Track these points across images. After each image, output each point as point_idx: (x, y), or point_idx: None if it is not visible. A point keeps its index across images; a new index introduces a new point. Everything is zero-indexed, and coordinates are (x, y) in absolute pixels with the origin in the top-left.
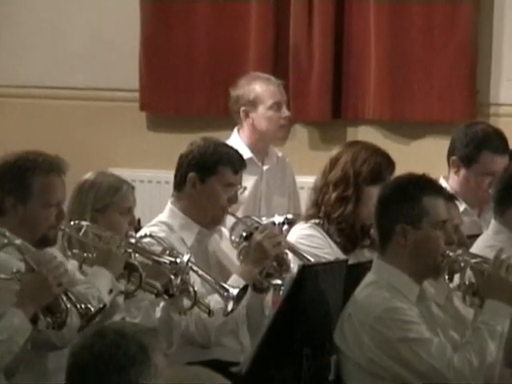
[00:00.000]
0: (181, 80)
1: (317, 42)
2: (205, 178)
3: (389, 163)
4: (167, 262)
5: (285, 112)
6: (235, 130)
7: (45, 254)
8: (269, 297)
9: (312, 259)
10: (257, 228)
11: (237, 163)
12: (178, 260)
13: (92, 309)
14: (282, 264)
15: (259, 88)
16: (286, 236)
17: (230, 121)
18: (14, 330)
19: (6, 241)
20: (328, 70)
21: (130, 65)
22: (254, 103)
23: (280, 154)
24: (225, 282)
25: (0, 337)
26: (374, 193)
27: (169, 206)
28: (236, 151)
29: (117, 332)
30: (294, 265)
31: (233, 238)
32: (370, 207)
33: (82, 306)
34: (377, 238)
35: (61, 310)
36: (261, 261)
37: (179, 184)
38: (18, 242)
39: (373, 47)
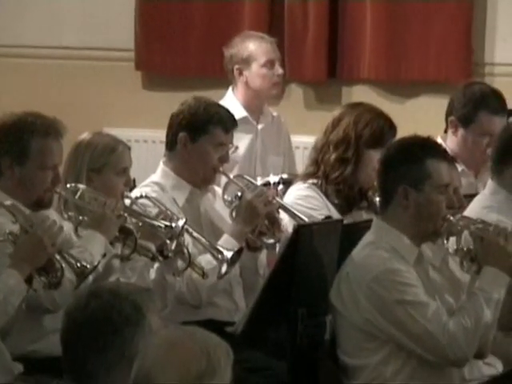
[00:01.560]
0: (176, 39)
1: (312, 1)
2: (195, 137)
3: (391, 127)
4: (162, 226)
5: (278, 70)
6: (230, 88)
7: (38, 214)
8: (263, 256)
9: (304, 217)
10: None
11: (228, 122)
12: (174, 225)
13: (88, 266)
14: (274, 222)
15: (252, 46)
16: (282, 196)
17: (225, 80)
18: (10, 291)
19: None
20: (323, 29)
21: (126, 24)
22: (247, 61)
23: (275, 114)
24: (217, 242)
25: None
26: (374, 156)
27: (161, 166)
28: (227, 110)
29: (111, 292)
30: (290, 224)
31: (225, 197)
32: (370, 170)
33: (78, 264)
34: (379, 198)
35: (56, 269)
36: (252, 220)
37: (170, 144)
38: (8, 203)
39: (368, 7)
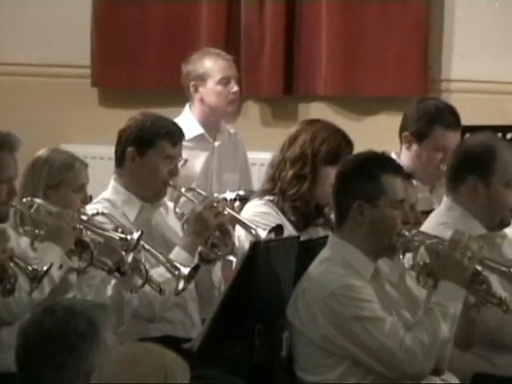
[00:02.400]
0: (133, 55)
1: (269, 17)
2: (143, 151)
3: (348, 144)
4: (117, 238)
5: (233, 87)
6: (187, 105)
7: None
8: (218, 268)
9: (255, 227)
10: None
11: (175, 135)
12: (129, 237)
13: (39, 269)
14: (226, 233)
15: (208, 63)
16: (238, 213)
17: (182, 97)
18: None
19: None
20: (279, 45)
21: (82, 41)
22: (202, 77)
23: (232, 131)
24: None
25: None
26: (330, 173)
27: (111, 182)
28: (174, 123)
29: (66, 308)
30: (246, 240)
31: (177, 210)
32: (326, 187)
33: (29, 267)
34: (334, 214)
35: (9, 275)
36: (202, 232)
37: (119, 160)
38: None
39: (324, 22)
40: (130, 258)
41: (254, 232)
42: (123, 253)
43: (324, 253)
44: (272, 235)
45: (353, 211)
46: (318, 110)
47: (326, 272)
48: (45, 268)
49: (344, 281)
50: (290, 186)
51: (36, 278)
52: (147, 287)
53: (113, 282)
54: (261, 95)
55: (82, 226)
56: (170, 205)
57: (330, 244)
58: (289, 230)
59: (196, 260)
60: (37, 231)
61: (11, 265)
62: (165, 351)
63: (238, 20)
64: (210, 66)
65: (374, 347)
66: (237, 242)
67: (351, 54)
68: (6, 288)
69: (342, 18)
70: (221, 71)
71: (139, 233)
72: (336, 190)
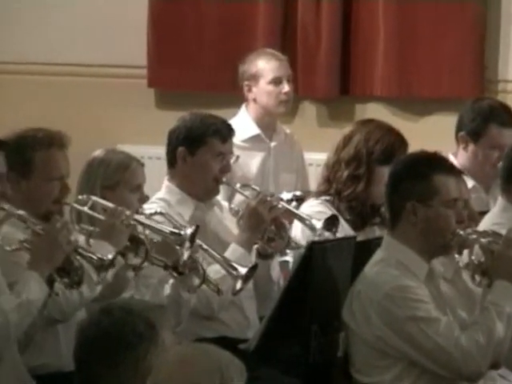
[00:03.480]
0: (189, 56)
1: (325, 17)
2: (194, 150)
3: (402, 143)
4: (170, 232)
5: (285, 87)
6: (243, 105)
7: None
8: (275, 263)
9: (310, 218)
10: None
11: (224, 132)
12: (183, 232)
13: (105, 258)
14: (281, 227)
15: (261, 63)
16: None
17: (238, 98)
18: (31, 292)
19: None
20: (336, 46)
21: (138, 41)
22: (255, 77)
23: (288, 131)
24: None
25: (18, 299)
26: (385, 172)
27: (165, 182)
28: (223, 120)
29: (124, 309)
30: (302, 238)
31: (232, 206)
32: (381, 187)
33: (95, 257)
34: (387, 215)
35: (75, 267)
36: (257, 227)
37: (171, 160)
38: (19, 212)
39: (381, 23)
40: (186, 255)
41: (308, 223)
42: (178, 247)
43: (378, 254)
44: (329, 235)
45: (406, 212)
46: (374, 111)
47: (380, 273)
48: (110, 256)
49: (398, 282)
50: (346, 186)
51: (102, 267)
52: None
53: (170, 281)
54: (317, 96)
55: (135, 223)
56: (225, 204)
57: (385, 245)
58: (345, 230)
59: (253, 256)
60: (91, 228)
61: (77, 257)
62: (221, 352)
63: (295, 20)
64: (263, 65)
65: (429, 347)
66: (293, 237)
67: (407, 55)
68: (73, 280)
69: (398, 18)
70: (273, 71)
71: (193, 227)
72: (389, 190)
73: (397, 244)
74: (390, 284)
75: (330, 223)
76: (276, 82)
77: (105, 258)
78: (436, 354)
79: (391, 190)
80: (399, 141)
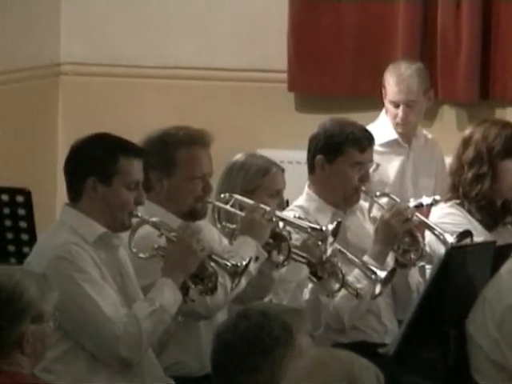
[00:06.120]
0: (329, 60)
1: (465, 22)
2: (332, 159)
3: None
4: (312, 228)
5: (399, 113)
6: (383, 110)
7: (180, 223)
8: (415, 271)
9: (444, 231)
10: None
11: (363, 141)
12: (324, 228)
13: (238, 265)
14: (414, 239)
15: (389, 79)
16: (428, 217)
17: (377, 101)
18: (165, 299)
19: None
20: (476, 49)
21: (279, 45)
22: (385, 89)
23: (430, 136)
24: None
25: (152, 307)
26: (509, 166)
27: (305, 189)
28: (363, 129)
29: (261, 313)
30: (438, 244)
31: (371, 215)
32: (508, 180)
33: (228, 264)
34: None
35: (209, 274)
36: (390, 240)
37: (310, 167)
38: (153, 219)
39: None
40: (329, 251)
41: (441, 237)
42: (319, 243)
43: (510, 263)
44: (465, 241)
45: None
46: None
47: (507, 284)
48: (244, 263)
49: None
50: (472, 187)
51: (236, 273)
52: (338, 296)
53: (309, 286)
54: (457, 100)
55: (276, 220)
56: (366, 206)
57: None
58: (478, 231)
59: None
60: (234, 226)
61: (211, 263)
62: (355, 357)
63: (435, 23)
64: (387, 83)
65: None
66: (428, 248)
67: None
68: (207, 287)
69: None
70: (391, 94)
71: (335, 223)
72: None
73: None
74: None
75: (464, 238)
76: (394, 104)
77: (239, 264)
78: None
79: None
80: None
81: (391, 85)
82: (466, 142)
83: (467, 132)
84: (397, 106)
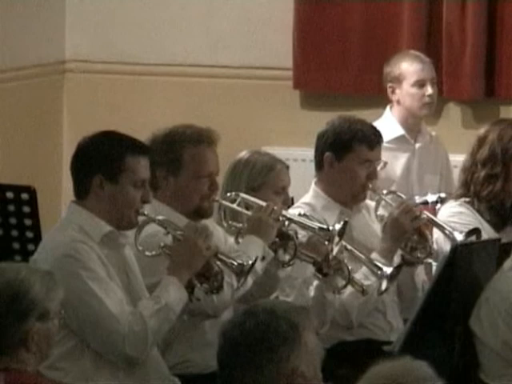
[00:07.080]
0: (334, 58)
1: (470, 19)
2: (341, 156)
3: None
4: (319, 227)
5: (428, 90)
6: (388, 107)
7: (187, 223)
8: (421, 270)
9: (453, 230)
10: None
11: (372, 139)
12: (331, 227)
13: (245, 264)
14: (423, 237)
15: (405, 65)
16: (436, 214)
17: (382, 99)
18: (171, 297)
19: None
20: (481, 47)
21: (284, 43)
22: (398, 79)
23: (434, 133)
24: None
25: (157, 305)
26: None
27: (312, 186)
28: (371, 127)
29: (267, 311)
30: (445, 241)
31: (378, 213)
32: None
33: (234, 263)
34: None
35: (215, 273)
36: (399, 237)
37: (318, 164)
38: (159, 217)
39: None
40: (336, 250)
41: (450, 235)
42: (327, 243)
43: (510, 262)
44: (472, 238)
45: None
46: None
47: (509, 281)
48: (250, 262)
49: None
50: (484, 187)
51: (242, 273)
52: (346, 293)
53: (315, 283)
54: (462, 98)
55: (283, 219)
56: (372, 204)
57: None
58: (486, 230)
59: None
60: (240, 225)
61: (217, 262)
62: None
63: (440, 21)
64: (406, 68)
65: None
66: (435, 245)
67: None
68: (213, 286)
69: None
70: (416, 74)
71: (342, 222)
72: None
73: None
74: None
75: (473, 236)
76: (419, 84)
77: (245, 263)
78: None
79: None
80: None
81: (413, 66)
82: (481, 141)
83: (482, 130)
84: (422, 85)
